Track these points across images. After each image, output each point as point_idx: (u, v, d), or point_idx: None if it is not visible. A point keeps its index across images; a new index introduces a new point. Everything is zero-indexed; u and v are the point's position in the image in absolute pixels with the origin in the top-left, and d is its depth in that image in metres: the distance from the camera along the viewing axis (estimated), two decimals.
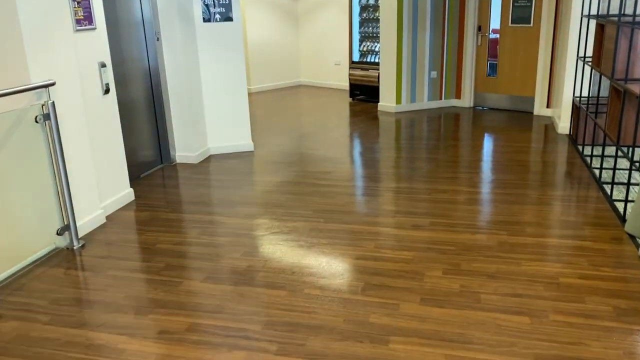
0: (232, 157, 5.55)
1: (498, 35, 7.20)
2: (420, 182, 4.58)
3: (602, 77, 4.94)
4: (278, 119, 7.37)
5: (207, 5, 5.24)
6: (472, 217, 3.77)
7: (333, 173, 4.91)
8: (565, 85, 5.78)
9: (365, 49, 8.39)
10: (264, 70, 9.86)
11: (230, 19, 5.35)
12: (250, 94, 9.53)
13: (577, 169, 4.80)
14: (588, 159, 4.93)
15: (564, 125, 5.93)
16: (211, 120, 5.56)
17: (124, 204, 4.27)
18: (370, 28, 8.24)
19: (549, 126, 6.43)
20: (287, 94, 9.50)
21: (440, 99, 7.72)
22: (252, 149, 5.77)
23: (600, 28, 4.66)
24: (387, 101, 7.62)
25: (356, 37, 8.47)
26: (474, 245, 3.34)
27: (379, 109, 7.77)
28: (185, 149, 5.37)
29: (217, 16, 5.30)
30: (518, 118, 6.92)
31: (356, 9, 8.37)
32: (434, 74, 7.58)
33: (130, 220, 3.95)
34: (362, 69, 8.31)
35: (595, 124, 4.56)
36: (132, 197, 4.38)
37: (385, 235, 3.53)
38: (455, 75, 7.66)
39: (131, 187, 4.56)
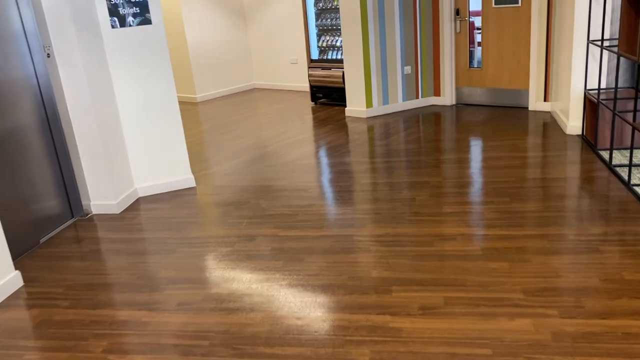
0: (167, 199, 4.31)
1: (480, 19, 6.13)
2: (412, 223, 3.45)
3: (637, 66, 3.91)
4: (228, 136, 6.14)
5: (115, 5, 3.96)
6: (499, 284, 2.66)
7: (299, 216, 3.73)
8: (573, 75, 4.74)
9: (324, 44, 7.21)
10: (211, 75, 8.58)
11: (148, 22, 4.08)
12: (195, 105, 8.24)
13: (610, 186, 3.75)
14: (622, 171, 3.89)
15: (574, 124, 4.89)
16: (136, 152, 4.30)
17: (6, 296, 3.00)
18: (329, 20, 7.06)
19: (550, 125, 5.40)
20: (240, 100, 8.25)
21: (417, 97, 6.62)
22: (192, 184, 4.53)
23: (628, 3, 3.60)
24: (355, 105, 6.47)
25: (313, 31, 7.28)
26: (519, 341, 2.23)
27: (346, 114, 6.61)
28: (102, 195, 4.09)
29: (131, 19, 4.03)
30: (511, 116, 5.88)
31: None
32: (408, 69, 6.46)
33: (8, 329, 2.69)
34: (323, 68, 7.13)
35: (634, 128, 3.51)
36: (20, 283, 3.11)
37: (384, 332, 2.38)
38: (432, 69, 6.56)
39: (26, 259, 3.29)
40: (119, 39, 4.03)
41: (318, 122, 6.47)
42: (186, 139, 6.21)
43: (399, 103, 6.53)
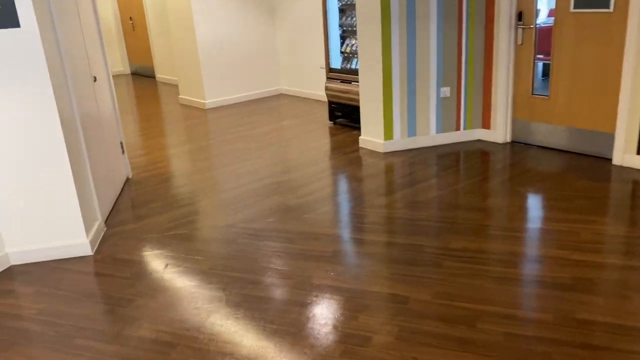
0: (40, 273, 3.06)
1: (552, 28, 4.31)
2: None
3: None
4: (206, 163, 4.82)
5: None
6: None
7: (204, 344, 2.31)
8: None
9: (349, 49, 5.66)
10: (228, 77, 7.28)
11: (14, 24, 2.80)
12: (203, 111, 7.00)
13: None
14: None
15: None
16: (5, 205, 3.08)
17: None
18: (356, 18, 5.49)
19: None
20: (256, 110, 6.90)
21: (458, 129, 4.91)
22: (88, 251, 3.24)
23: None
24: (371, 134, 4.89)
25: (335, 32, 5.74)
26: None
27: (360, 144, 5.05)
28: None
29: None
30: (587, 172, 4.03)
31: None
32: (446, 90, 4.76)
33: None
34: (343, 81, 5.59)
35: None
36: None
37: None
38: (481, 92, 4.82)
39: None
40: None
41: (326, 152, 4.97)
42: (156, 163, 4.96)
43: (431, 136, 4.85)
